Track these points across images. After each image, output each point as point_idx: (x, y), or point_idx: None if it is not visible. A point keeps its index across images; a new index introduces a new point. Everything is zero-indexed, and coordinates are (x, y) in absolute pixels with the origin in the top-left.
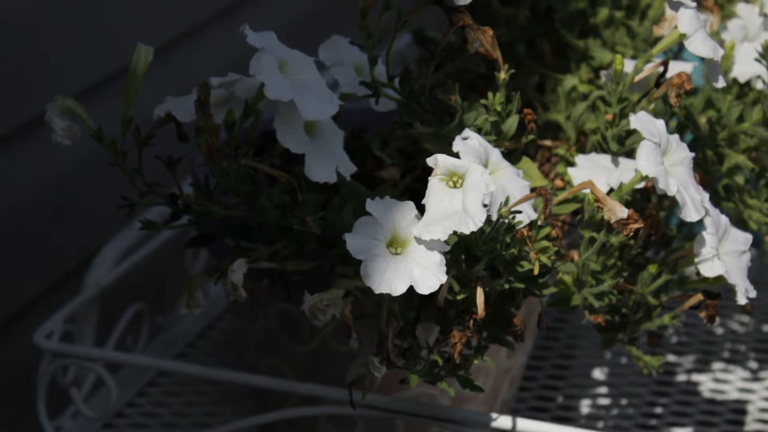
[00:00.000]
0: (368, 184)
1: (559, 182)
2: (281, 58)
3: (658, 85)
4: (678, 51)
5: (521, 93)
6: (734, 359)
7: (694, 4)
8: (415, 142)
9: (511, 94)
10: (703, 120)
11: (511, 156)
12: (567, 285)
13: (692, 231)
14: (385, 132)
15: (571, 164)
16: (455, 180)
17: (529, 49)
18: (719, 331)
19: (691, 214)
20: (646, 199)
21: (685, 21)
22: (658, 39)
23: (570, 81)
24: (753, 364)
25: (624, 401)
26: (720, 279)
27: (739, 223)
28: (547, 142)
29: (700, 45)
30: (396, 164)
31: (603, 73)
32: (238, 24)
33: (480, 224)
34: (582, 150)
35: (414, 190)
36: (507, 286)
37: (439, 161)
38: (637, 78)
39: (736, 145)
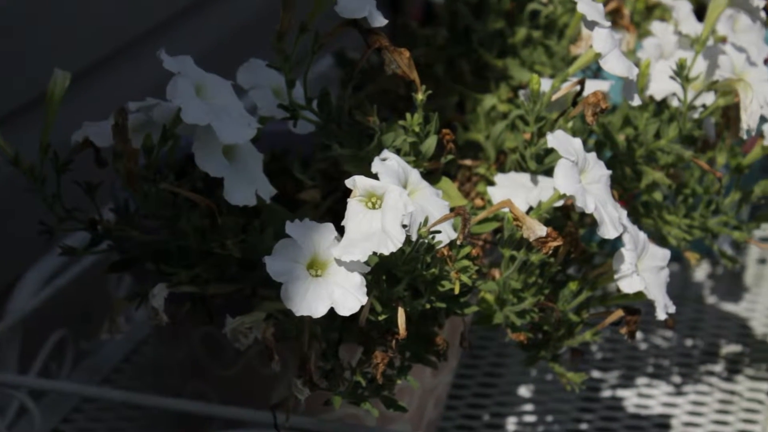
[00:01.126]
0: (289, 206)
1: (479, 201)
2: (198, 83)
3: (575, 103)
4: (597, 69)
5: (441, 113)
6: (658, 374)
7: (608, 24)
8: (337, 164)
9: (429, 115)
10: (621, 137)
11: (431, 176)
12: (489, 303)
13: (615, 247)
14: (306, 153)
15: (491, 183)
16: (374, 201)
17: (448, 69)
18: (643, 346)
19: (609, 231)
20: (567, 216)
21: (600, 40)
22: (575, 58)
23: (489, 100)
24: (676, 379)
25: (550, 418)
26: (640, 295)
27: (658, 239)
28: (468, 162)
29: (614, 64)
30: (317, 186)
31: (521, 92)
32: (156, 49)
33: (399, 245)
34: (502, 169)
35: (336, 212)
36: (428, 306)
37: (357, 183)
38: (555, 97)
39: (654, 162)
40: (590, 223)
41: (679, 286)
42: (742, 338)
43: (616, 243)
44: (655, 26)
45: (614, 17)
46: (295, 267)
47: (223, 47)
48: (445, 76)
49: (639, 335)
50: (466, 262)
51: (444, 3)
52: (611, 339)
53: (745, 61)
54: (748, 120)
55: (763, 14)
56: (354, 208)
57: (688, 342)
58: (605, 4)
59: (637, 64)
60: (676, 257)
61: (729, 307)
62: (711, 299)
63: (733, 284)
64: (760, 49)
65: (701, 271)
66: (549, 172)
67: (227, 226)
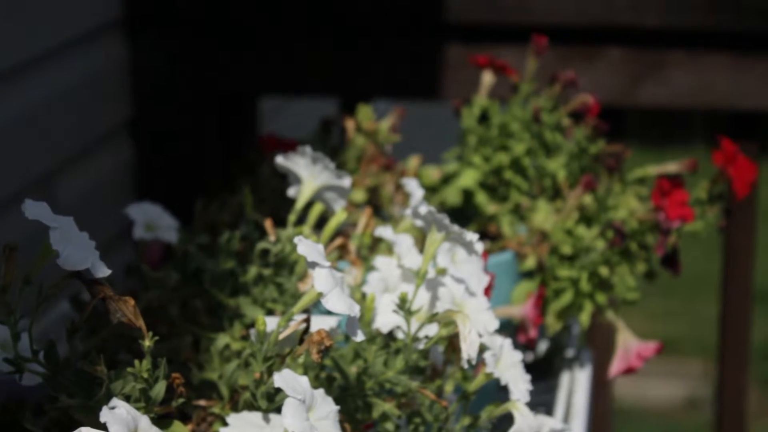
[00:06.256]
0: None
1: None
2: None
3: (302, 341)
4: None
5: (176, 353)
6: None
7: (328, 264)
8: (68, 412)
9: (158, 360)
10: (353, 369)
11: (164, 420)
12: None
13: None
14: (41, 401)
15: (227, 423)
16: None
17: (183, 309)
18: None
19: None
20: None
21: (320, 280)
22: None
23: (222, 339)
24: None
25: None
26: None
27: None
28: (203, 402)
29: (336, 303)
30: None
31: (251, 331)
32: None
33: None
34: (236, 408)
35: None
36: None
37: None
38: (282, 336)
39: (385, 393)
40: None
41: None
42: None
43: None
44: (379, 261)
45: (341, 253)
46: None
47: None
48: (179, 317)
49: None
50: None
51: (177, 245)
52: None
53: (465, 292)
54: (468, 350)
55: (478, 246)
56: None
57: None
58: (331, 241)
59: (364, 297)
60: None
61: None
62: None
63: None
64: (479, 279)
65: None
66: (280, 410)
67: None
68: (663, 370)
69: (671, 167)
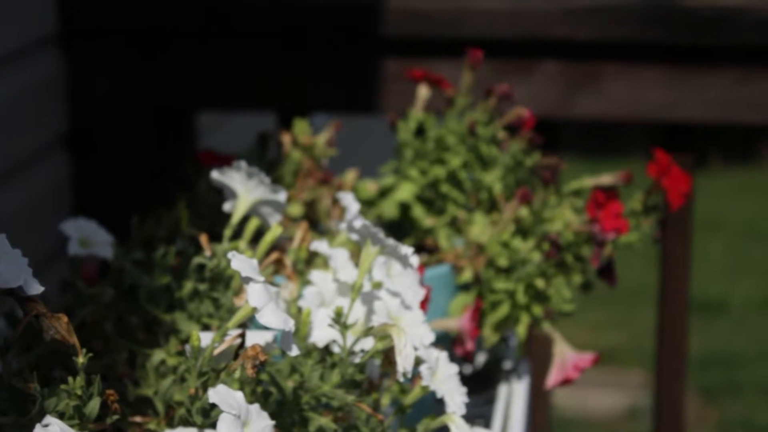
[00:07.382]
0: None
1: None
2: None
3: (237, 356)
4: None
5: (111, 369)
6: None
7: (262, 279)
8: (2, 430)
9: (92, 377)
10: (290, 384)
11: None
12: None
13: None
14: None
15: None
16: None
17: (118, 325)
18: None
19: None
20: None
21: (254, 295)
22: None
23: (158, 355)
24: None
25: None
26: None
27: None
28: (138, 418)
29: (270, 318)
30: None
31: (186, 347)
32: None
33: None
34: (171, 424)
35: None
36: None
37: None
38: (217, 351)
39: (322, 407)
40: None
41: None
42: None
43: None
44: (314, 275)
45: (277, 267)
46: None
47: None
48: (114, 333)
49: None
50: None
51: (113, 260)
52: None
53: (400, 306)
54: (403, 363)
55: (413, 259)
56: None
57: None
58: (267, 255)
59: (300, 312)
60: None
61: None
62: None
63: None
64: (415, 292)
65: None
66: (216, 425)
67: None
68: (603, 381)
69: (606, 179)
